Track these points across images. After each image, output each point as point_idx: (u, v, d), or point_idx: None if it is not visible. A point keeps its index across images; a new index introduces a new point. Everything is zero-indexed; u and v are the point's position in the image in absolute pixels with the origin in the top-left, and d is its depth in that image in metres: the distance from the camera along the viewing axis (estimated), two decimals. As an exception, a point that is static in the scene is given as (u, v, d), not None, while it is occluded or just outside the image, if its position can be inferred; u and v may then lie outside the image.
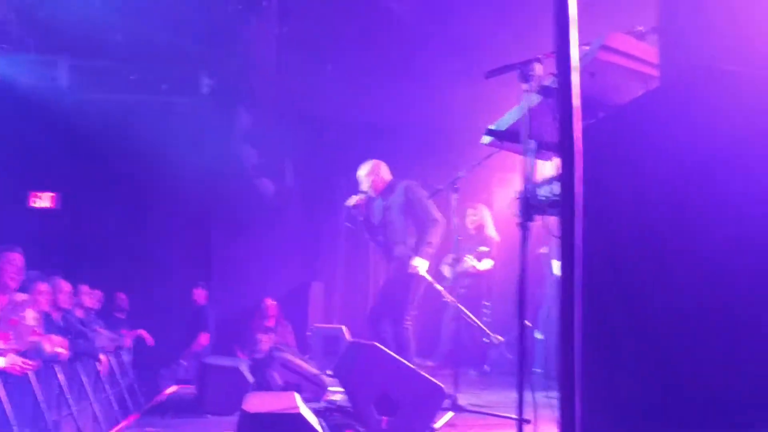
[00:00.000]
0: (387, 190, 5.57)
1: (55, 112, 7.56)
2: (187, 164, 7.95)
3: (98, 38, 6.82)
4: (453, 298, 5.21)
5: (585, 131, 2.31)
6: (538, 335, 5.97)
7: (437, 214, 5.31)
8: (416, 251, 5.24)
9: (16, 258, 4.87)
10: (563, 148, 1.82)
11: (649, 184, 1.91)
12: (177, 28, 6.56)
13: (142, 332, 7.74)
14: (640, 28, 2.81)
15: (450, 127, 7.51)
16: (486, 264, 6.76)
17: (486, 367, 6.62)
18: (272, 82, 6.93)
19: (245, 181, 8.03)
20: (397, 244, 5.40)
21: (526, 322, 2.81)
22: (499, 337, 5.14)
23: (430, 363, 5.45)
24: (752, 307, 1.64)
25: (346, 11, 6.59)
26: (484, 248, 6.75)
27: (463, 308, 5.20)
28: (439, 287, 5.26)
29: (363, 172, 5.65)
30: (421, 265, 5.21)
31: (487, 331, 5.33)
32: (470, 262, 6.57)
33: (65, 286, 6.21)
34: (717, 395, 1.67)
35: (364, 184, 5.63)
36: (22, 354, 4.41)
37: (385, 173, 5.65)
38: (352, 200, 5.58)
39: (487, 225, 6.97)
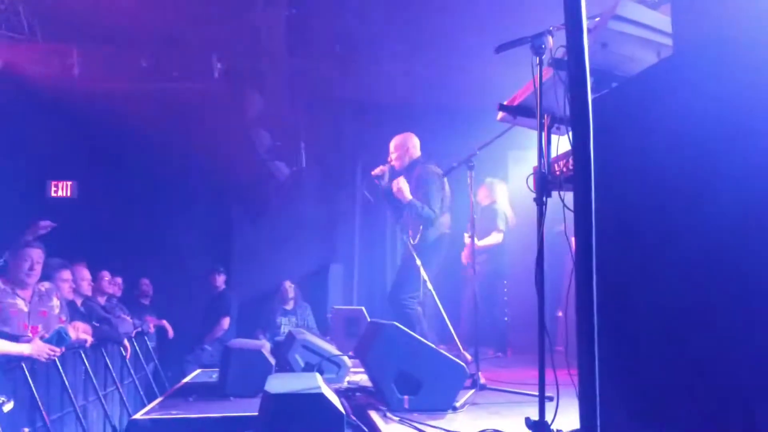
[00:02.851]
0: (411, 166, 5.54)
1: (68, 102, 7.59)
2: (202, 149, 7.98)
3: (108, 26, 6.82)
4: (434, 292, 5.16)
5: (598, 102, 2.29)
6: (559, 313, 5.94)
7: (436, 205, 5.28)
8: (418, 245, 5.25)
9: (33, 253, 4.92)
10: (575, 121, 1.80)
11: (663, 153, 1.88)
12: (186, 13, 6.54)
13: (164, 323, 7.82)
14: (653, -4, 2.76)
15: (466, 105, 7.46)
16: (492, 239, 6.69)
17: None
18: (283, 65, 6.90)
19: (260, 165, 8.04)
20: (410, 227, 5.41)
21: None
22: (468, 355, 5.03)
23: (443, 346, 5.43)
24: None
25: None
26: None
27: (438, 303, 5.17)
28: (428, 283, 5.16)
29: (393, 143, 5.64)
30: (402, 186, 5.28)
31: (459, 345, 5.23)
32: (466, 239, 6.47)
33: (86, 273, 6.29)
34: (729, 375, 1.65)
35: (391, 155, 5.62)
36: (47, 341, 4.48)
37: (414, 149, 5.60)
38: (377, 170, 5.58)
39: (497, 200, 6.90)
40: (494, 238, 6.69)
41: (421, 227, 5.33)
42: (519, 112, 3.17)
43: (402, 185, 5.30)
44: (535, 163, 2.86)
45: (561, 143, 2.93)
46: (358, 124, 8.17)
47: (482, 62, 6.69)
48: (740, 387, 1.61)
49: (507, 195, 7.02)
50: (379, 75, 7.56)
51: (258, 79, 7.13)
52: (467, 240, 6.41)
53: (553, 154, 2.92)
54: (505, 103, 3.28)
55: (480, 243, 6.55)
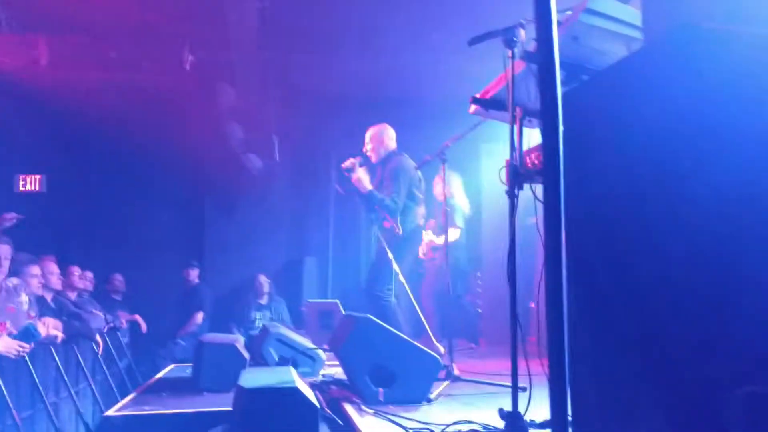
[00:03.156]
0: (386, 158, 5.49)
1: (36, 94, 7.46)
2: (174, 142, 7.90)
3: (76, 16, 6.69)
4: (406, 285, 5.16)
5: (569, 95, 2.30)
6: (531, 304, 5.98)
7: (400, 197, 5.24)
8: (395, 239, 5.23)
9: (1, 250, 4.85)
10: (545, 114, 1.81)
11: (634, 146, 1.90)
12: (156, 3, 6.44)
13: (137, 317, 7.75)
14: (624, -9, 2.78)
15: (439, 97, 7.46)
16: (450, 236, 6.63)
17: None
18: (255, 57, 6.84)
19: (233, 158, 7.99)
20: (386, 219, 5.39)
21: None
22: (441, 347, 5.05)
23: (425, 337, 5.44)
24: (741, 272, 1.65)
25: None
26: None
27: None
28: (404, 283, 5.16)
29: (368, 135, 5.58)
30: (362, 178, 5.25)
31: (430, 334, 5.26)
32: (426, 236, 6.43)
33: (54, 267, 6.20)
34: (703, 361, 1.68)
35: (366, 146, 5.57)
36: (16, 337, 4.41)
37: (389, 140, 5.54)
38: (347, 162, 5.53)
39: (454, 194, 6.77)
40: (452, 235, 6.64)
41: (398, 218, 5.31)
42: (491, 105, 3.18)
43: (360, 176, 5.24)
44: (508, 155, 2.87)
45: (533, 136, 2.95)
46: (331, 116, 8.13)
47: (456, 54, 6.71)
48: (710, 383, 1.64)
49: (461, 187, 6.95)
50: (351, 68, 7.53)
51: (229, 72, 7.06)
52: (426, 236, 6.39)
53: (525, 147, 2.94)
54: (477, 96, 3.29)
55: (438, 240, 6.54)
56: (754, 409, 1.58)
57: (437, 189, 6.75)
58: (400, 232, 5.23)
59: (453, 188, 6.79)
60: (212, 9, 6.32)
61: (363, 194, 5.27)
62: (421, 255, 6.60)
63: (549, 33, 1.81)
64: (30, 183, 8.58)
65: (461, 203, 6.86)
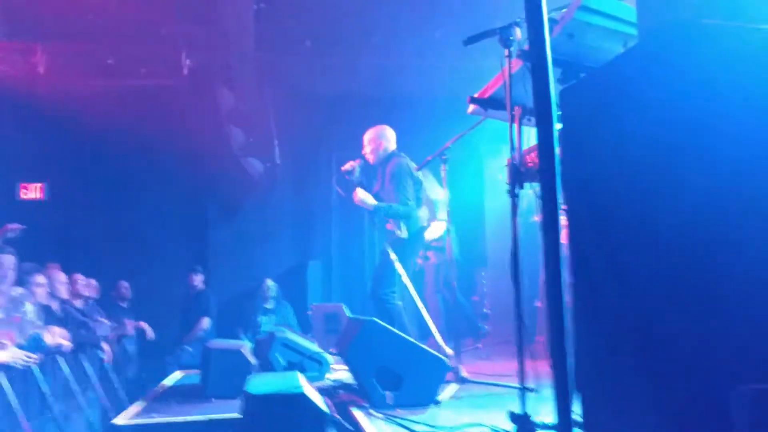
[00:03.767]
0: (386, 159, 5.41)
1: (35, 101, 7.47)
2: (174, 147, 7.89)
3: (73, 22, 6.69)
4: (410, 286, 5.15)
5: (565, 93, 2.29)
6: (538, 303, 5.96)
7: (408, 198, 5.18)
8: (398, 241, 5.17)
9: (5, 260, 4.86)
10: (539, 112, 1.81)
11: (631, 143, 1.89)
12: (152, 8, 6.44)
13: (143, 324, 7.75)
14: (619, -12, 2.77)
15: (439, 97, 7.44)
16: (436, 229, 6.55)
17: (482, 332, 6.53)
18: (253, 60, 6.83)
19: (234, 162, 7.98)
20: (387, 221, 5.37)
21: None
22: (448, 349, 5.02)
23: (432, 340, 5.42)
24: (742, 269, 1.64)
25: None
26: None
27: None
28: (405, 279, 5.13)
29: (366, 137, 5.51)
30: (366, 198, 5.18)
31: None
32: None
33: (62, 276, 6.21)
34: (702, 358, 1.67)
35: (365, 149, 5.52)
36: (23, 347, 4.43)
37: (388, 142, 5.46)
38: (347, 165, 5.47)
39: (426, 190, 6.52)
40: (437, 228, 6.59)
41: (401, 221, 5.28)
42: (490, 104, 3.18)
43: (361, 196, 5.20)
44: (508, 155, 2.86)
45: (533, 135, 2.93)
46: (331, 118, 8.13)
47: (454, 54, 6.69)
48: (715, 380, 1.63)
49: (431, 177, 6.85)
50: (350, 69, 7.52)
51: (228, 75, 7.05)
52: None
53: (525, 146, 2.93)
54: (476, 95, 3.28)
55: (428, 236, 6.51)
56: (759, 407, 1.57)
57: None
58: (404, 235, 5.20)
59: (427, 185, 6.66)
60: (209, 12, 6.33)
61: (370, 211, 5.24)
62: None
63: (540, 32, 1.80)
64: (32, 191, 8.60)
65: (435, 196, 6.76)
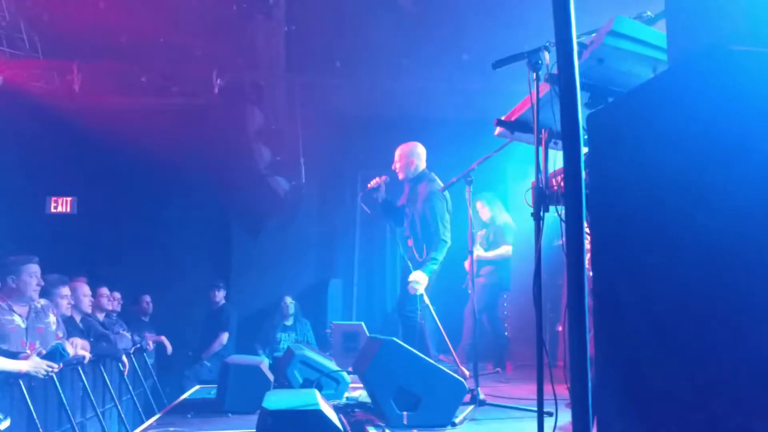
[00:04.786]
0: (417, 178, 5.43)
1: (68, 118, 7.63)
2: (202, 165, 8.00)
3: (108, 41, 6.86)
4: (431, 306, 5.14)
5: (592, 118, 2.29)
6: (559, 327, 5.90)
7: (447, 233, 5.21)
8: (421, 265, 5.18)
9: (36, 269, 4.93)
10: (566, 136, 1.80)
11: (659, 169, 1.88)
12: (185, 28, 6.58)
13: (163, 339, 7.79)
14: (649, 13, 2.77)
15: (465, 119, 7.47)
16: (501, 250, 6.67)
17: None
18: (282, 80, 6.94)
19: (260, 180, 8.05)
20: (410, 238, 5.38)
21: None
22: (466, 371, 4.98)
23: (449, 358, 5.38)
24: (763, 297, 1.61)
25: (353, 5, 6.57)
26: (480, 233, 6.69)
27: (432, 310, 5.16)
28: (429, 305, 5.13)
29: (397, 152, 5.53)
30: (420, 279, 5.08)
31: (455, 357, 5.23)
32: (476, 251, 6.47)
33: (87, 289, 6.27)
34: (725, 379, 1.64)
35: (396, 164, 5.54)
36: (45, 357, 4.46)
37: (419, 160, 5.47)
38: (373, 181, 5.49)
39: (496, 214, 6.88)
40: (503, 250, 6.68)
41: (424, 246, 5.27)
42: (516, 127, 3.18)
43: (416, 286, 5.09)
44: (534, 177, 2.86)
45: (559, 158, 2.93)
46: (357, 138, 8.18)
47: (482, 77, 6.72)
48: (739, 400, 1.60)
49: (502, 207, 7.01)
50: (378, 89, 7.59)
51: (257, 95, 7.16)
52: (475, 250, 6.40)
53: (551, 169, 2.92)
54: (502, 118, 3.29)
55: (489, 254, 6.57)
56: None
57: (484, 213, 6.85)
58: (422, 257, 5.21)
59: (496, 209, 6.88)
60: (240, 33, 6.44)
61: (429, 273, 5.16)
62: (467, 268, 6.58)
63: (570, 56, 1.80)
64: (61, 205, 8.75)
65: (507, 220, 6.89)
